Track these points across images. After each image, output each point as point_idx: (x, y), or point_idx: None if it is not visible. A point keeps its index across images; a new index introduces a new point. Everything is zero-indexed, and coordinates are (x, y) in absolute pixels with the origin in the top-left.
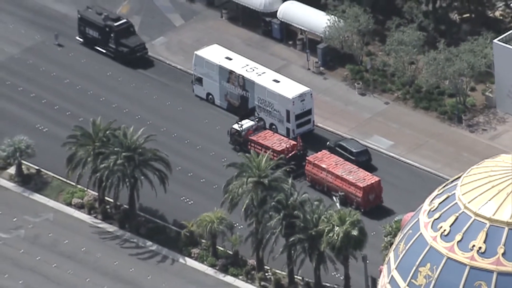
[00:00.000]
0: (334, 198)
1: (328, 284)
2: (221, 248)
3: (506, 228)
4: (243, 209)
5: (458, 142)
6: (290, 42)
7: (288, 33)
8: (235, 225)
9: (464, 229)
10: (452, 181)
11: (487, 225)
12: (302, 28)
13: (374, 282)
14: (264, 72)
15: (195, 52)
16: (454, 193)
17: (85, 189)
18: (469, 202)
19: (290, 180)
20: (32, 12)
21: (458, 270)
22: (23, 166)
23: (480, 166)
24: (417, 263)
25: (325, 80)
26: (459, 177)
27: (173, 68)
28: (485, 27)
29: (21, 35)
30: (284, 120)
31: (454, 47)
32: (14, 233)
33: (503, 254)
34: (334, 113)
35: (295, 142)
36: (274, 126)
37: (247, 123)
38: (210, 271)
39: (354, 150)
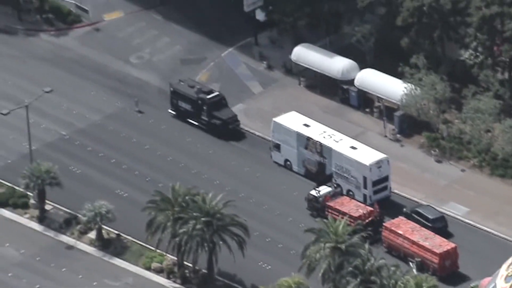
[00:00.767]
0: (410, 264)
1: None
2: None
3: None
4: (320, 274)
5: None
6: (367, 110)
7: (365, 101)
8: None
9: None
10: None
11: None
12: (379, 95)
13: None
14: (341, 139)
15: (274, 119)
16: None
17: (164, 253)
18: None
19: (367, 246)
20: (114, 80)
21: None
22: (103, 231)
23: None
24: None
25: (402, 147)
26: None
27: (252, 134)
28: None
29: (103, 102)
30: (361, 186)
31: None
32: None
33: None
34: (410, 179)
35: (372, 209)
36: (351, 192)
37: (324, 189)
38: None
39: (431, 217)
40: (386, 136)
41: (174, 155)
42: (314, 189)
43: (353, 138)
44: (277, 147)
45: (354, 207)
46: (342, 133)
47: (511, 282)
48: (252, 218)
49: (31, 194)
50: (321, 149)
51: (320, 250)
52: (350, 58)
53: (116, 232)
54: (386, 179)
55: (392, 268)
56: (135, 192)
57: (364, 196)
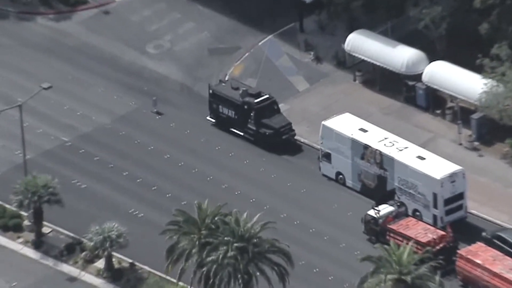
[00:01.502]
0: None
1: None
2: None
3: None
4: None
5: None
6: (438, 111)
7: (435, 100)
8: None
9: None
10: None
11: None
12: (453, 94)
13: None
14: (406, 147)
15: (323, 123)
16: None
17: (189, 287)
18: None
19: (437, 278)
20: (127, 74)
21: None
22: (113, 259)
23: None
24: None
25: (481, 157)
26: None
27: (296, 141)
28: None
29: (113, 101)
30: (431, 205)
31: None
32: None
33: None
34: (491, 197)
35: (444, 232)
36: (418, 213)
37: (385, 209)
38: None
39: None
40: (461, 144)
41: (200, 167)
42: (373, 208)
43: (421, 146)
44: (327, 156)
45: (422, 231)
46: (407, 139)
47: None
48: (296, 243)
49: (25, 213)
50: (381, 160)
51: (380, 283)
52: (416, 48)
53: (129, 260)
54: (461, 196)
55: None
56: (153, 211)
57: (434, 217)
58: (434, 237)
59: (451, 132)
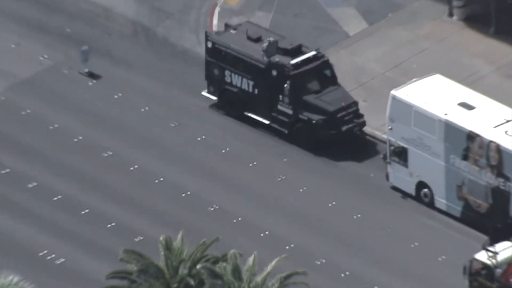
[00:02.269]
0: None
1: None
2: None
3: None
4: None
5: None
6: None
7: None
8: None
9: None
10: None
11: None
12: None
13: None
14: None
15: (393, 93)
16: None
17: None
18: None
19: None
20: (34, 3)
21: None
22: None
23: None
24: None
25: None
26: None
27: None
28: None
29: (10, 52)
30: None
31: None
32: None
33: None
34: None
35: None
36: None
37: (506, 250)
38: None
39: None
40: None
41: (169, 172)
42: (485, 249)
43: None
44: (400, 155)
45: None
46: None
47: None
48: None
49: None
50: (501, 160)
51: None
52: None
53: None
54: None
55: None
56: (83, 253)
57: None
58: None
59: None
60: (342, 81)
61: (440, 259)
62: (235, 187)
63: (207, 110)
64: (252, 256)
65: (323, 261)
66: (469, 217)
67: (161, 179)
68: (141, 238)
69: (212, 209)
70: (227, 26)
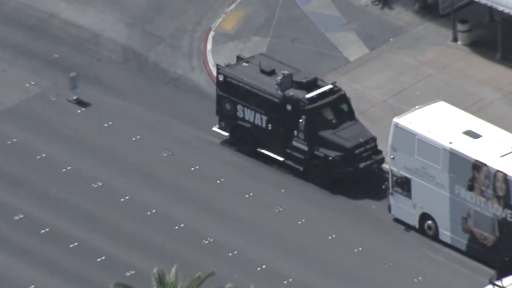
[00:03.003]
0: None
1: None
2: None
3: None
4: None
5: None
6: None
7: None
8: None
9: None
10: None
11: None
12: None
13: None
14: None
15: (394, 121)
16: None
17: None
18: None
19: None
20: (22, 27)
21: None
22: None
23: None
24: None
25: None
26: None
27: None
28: None
29: (6, 80)
30: None
31: None
32: None
33: None
34: None
35: None
36: None
37: None
38: None
39: None
40: None
41: (161, 204)
42: (492, 283)
43: None
44: (403, 185)
45: None
46: None
47: None
48: None
49: None
50: (508, 191)
51: None
52: None
53: None
54: None
55: None
56: (70, 287)
57: None
58: None
59: None
60: None
61: None
62: (231, 219)
63: (200, 139)
64: None
65: None
66: (475, 250)
67: (153, 210)
68: (133, 272)
69: (206, 242)
70: (239, 59)
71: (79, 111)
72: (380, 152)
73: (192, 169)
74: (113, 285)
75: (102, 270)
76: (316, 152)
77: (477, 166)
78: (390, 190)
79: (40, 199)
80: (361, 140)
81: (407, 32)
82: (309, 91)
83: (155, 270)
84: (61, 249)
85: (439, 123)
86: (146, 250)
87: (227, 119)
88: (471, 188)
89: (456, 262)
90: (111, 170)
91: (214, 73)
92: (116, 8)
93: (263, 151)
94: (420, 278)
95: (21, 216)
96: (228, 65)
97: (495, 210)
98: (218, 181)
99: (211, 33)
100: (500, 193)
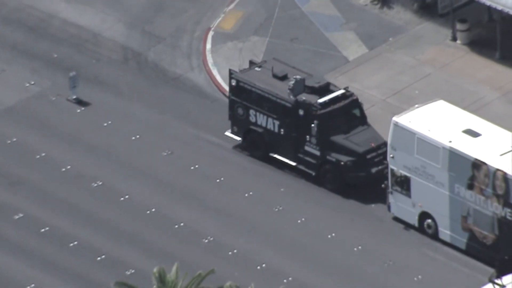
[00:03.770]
0: None
1: None
2: None
3: None
4: None
5: None
6: None
7: None
8: None
9: None
10: None
11: None
12: None
13: None
14: None
15: (394, 119)
16: None
17: None
18: None
19: None
20: (20, 27)
21: None
22: None
23: None
24: None
25: None
26: None
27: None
28: None
29: (5, 79)
30: None
31: None
32: None
33: None
34: None
35: None
36: None
37: None
38: None
39: None
40: None
41: (161, 203)
42: (491, 281)
43: None
44: (403, 184)
45: None
46: None
47: None
48: None
49: None
50: (508, 189)
51: None
52: None
53: None
54: None
55: None
56: (69, 286)
57: None
58: None
59: None
60: None
61: None
62: (230, 218)
63: (199, 138)
64: None
65: None
66: (475, 249)
67: (153, 209)
68: (133, 271)
69: (206, 241)
70: (251, 63)
71: (78, 110)
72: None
73: (192, 168)
74: (113, 284)
75: (102, 269)
76: (328, 157)
77: (477, 164)
78: (390, 189)
79: (40, 198)
80: (373, 145)
81: (406, 32)
82: (321, 96)
83: (155, 269)
84: (61, 248)
85: (439, 122)
86: (146, 249)
87: (239, 123)
88: (470, 186)
89: (455, 261)
90: (111, 169)
91: (214, 72)
92: (116, 8)
93: (275, 155)
94: (419, 276)
95: (21, 215)
96: (241, 70)
97: (494, 208)
98: (217, 180)
99: (211, 33)
100: (500, 191)
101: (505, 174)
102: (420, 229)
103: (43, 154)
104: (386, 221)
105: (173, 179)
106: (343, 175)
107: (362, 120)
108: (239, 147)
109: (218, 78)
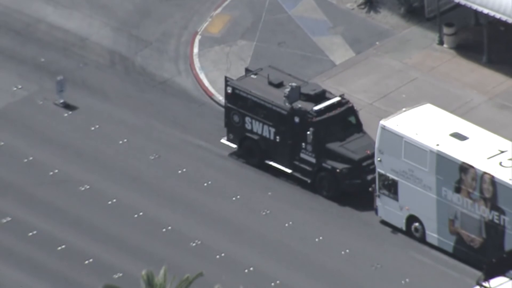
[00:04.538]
0: None
1: None
2: None
3: None
4: None
5: None
6: None
7: None
8: None
9: None
10: None
11: None
12: None
13: None
14: None
15: (381, 123)
16: None
17: None
18: None
19: None
20: (8, 32)
21: None
22: None
23: None
24: None
25: None
26: None
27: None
28: None
29: None
30: None
31: None
32: None
33: None
34: None
35: None
36: None
37: (501, 286)
38: None
39: None
40: None
41: (148, 208)
42: (479, 285)
43: None
44: (390, 187)
45: None
46: None
47: None
48: None
49: None
50: (495, 193)
51: None
52: None
53: None
54: None
55: None
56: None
57: None
58: None
59: None
60: None
61: None
62: (218, 222)
63: (187, 142)
64: None
65: None
66: (462, 252)
67: (141, 213)
68: (121, 274)
69: (194, 244)
70: (247, 71)
71: (66, 114)
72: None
73: (179, 172)
74: (101, 287)
75: (90, 272)
76: (323, 164)
77: (464, 168)
78: (377, 193)
79: (28, 202)
80: (368, 152)
81: (393, 36)
82: (317, 103)
83: (143, 272)
84: (49, 252)
85: (426, 126)
86: (134, 252)
87: (235, 131)
88: (458, 190)
89: (443, 264)
90: (98, 173)
91: (201, 76)
92: (103, 12)
93: (271, 163)
94: (407, 280)
95: (9, 219)
96: (238, 78)
97: (482, 212)
98: (205, 184)
99: (198, 37)
100: (487, 195)
101: (492, 177)
102: (408, 232)
103: (31, 158)
104: (373, 224)
105: (161, 183)
106: (339, 182)
107: (357, 127)
108: (235, 154)
109: (205, 82)
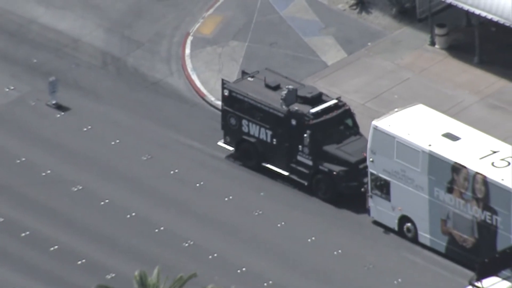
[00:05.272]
0: None
1: None
2: None
3: None
4: None
5: None
6: None
7: None
8: None
9: None
10: None
11: None
12: None
13: None
14: None
15: (374, 123)
16: None
17: None
18: None
19: None
20: (5, 35)
21: None
22: None
23: None
24: None
25: None
26: None
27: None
28: None
29: None
30: None
31: None
32: None
33: None
34: None
35: None
36: None
37: (493, 286)
38: None
39: None
40: None
41: (140, 207)
42: (471, 285)
43: None
44: (382, 187)
45: None
46: None
47: None
48: None
49: None
50: (487, 193)
51: None
52: None
53: None
54: None
55: None
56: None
57: None
58: None
59: None
60: None
61: None
62: (210, 222)
63: (179, 143)
64: None
65: None
66: (454, 252)
67: (133, 214)
68: (113, 275)
69: (186, 245)
70: (244, 73)
71: (58, 115)
72: None
73: (172, 172)
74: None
75: (83, 273)
76: (320, 167)
77: (456, 168)
78: (369, 193)
79: (20, 203)
80: (365, 154)
81: (384, 36)
82: (313, 106)
83: (136, 273)
84: (42, 252)
85: (418, 126)
86: (127, 253)
87: (232, 133)
88: (450, 190)
89: (435, 264)
90: (91, 173)
91: (193, 77)
92: (95, 13)
93: (268, 165)
94: (399, 280)
95: (1, 219)
96: (234, 81)
97: (474, 212)
98: (197, 184)
99: (190, 38)
100: (479, 195)
101: (484, 177)
102: (400, 232)
103: (23, 159)
104: (365, 225)
105: (153, 183)
106: (336, 184)
107: (354, 130)
108: (231, 157)
109: (197, 82)
